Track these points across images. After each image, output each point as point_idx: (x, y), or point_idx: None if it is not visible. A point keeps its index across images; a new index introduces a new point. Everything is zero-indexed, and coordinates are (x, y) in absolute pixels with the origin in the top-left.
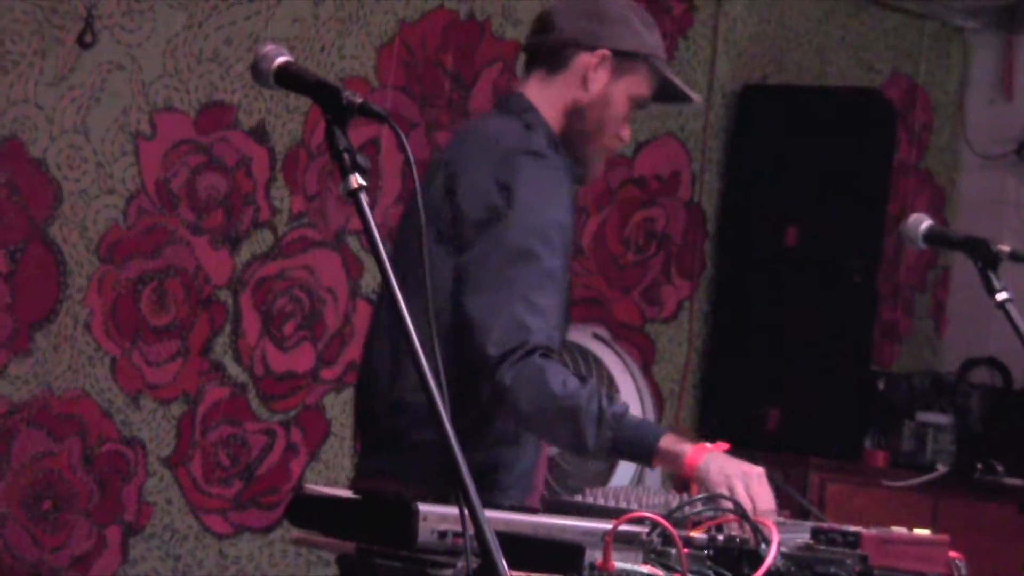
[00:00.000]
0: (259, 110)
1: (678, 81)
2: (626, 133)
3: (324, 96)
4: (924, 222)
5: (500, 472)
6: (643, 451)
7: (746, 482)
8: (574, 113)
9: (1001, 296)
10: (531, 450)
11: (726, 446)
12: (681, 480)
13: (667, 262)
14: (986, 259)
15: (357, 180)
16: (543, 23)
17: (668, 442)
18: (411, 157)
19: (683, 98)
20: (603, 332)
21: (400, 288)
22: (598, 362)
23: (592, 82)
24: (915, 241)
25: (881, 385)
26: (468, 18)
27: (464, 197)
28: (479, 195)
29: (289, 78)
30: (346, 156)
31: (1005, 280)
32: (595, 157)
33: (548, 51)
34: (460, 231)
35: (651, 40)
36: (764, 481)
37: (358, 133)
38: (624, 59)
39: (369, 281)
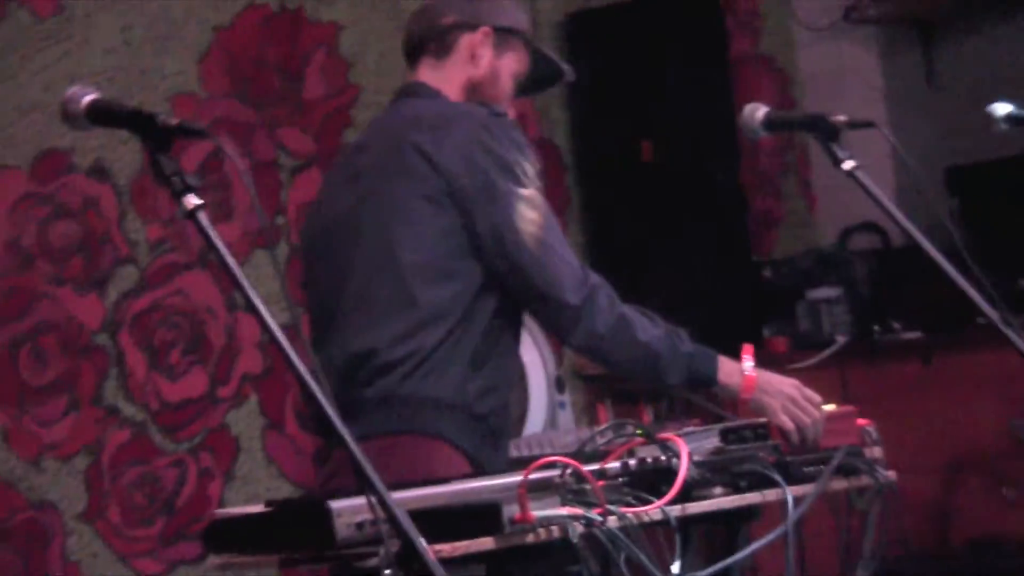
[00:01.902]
0: (93, 148)
1: (552, 54)
2: (512, 111)
3: (139, 125)
4: (760, 110)
5: (493, 417)
6: (707, 385)
7: (797, 398)
8: (470, 90)
9: (847, 165)
10: (512, 407)
11: (750, 349)
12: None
13: None
14: (826, 133)
15: (192, 200)
16: (423, 12)
17: (724, 375)
18: (240, 164)
19: (550, 80)
20: None
21: (347, 269)
22: None
23: (480, 58)
24: (755, 131)
25: (767, 273)
26: (280, 10)
27: (452, 162)
28: (469, 161)
29: (101, 115)
30: (175, 179)
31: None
32: None
33: (434, 37)
34: (462, 194)
35: (522, 17)
36: (808, 392)
37: (200, 147)
38: (504, 35)
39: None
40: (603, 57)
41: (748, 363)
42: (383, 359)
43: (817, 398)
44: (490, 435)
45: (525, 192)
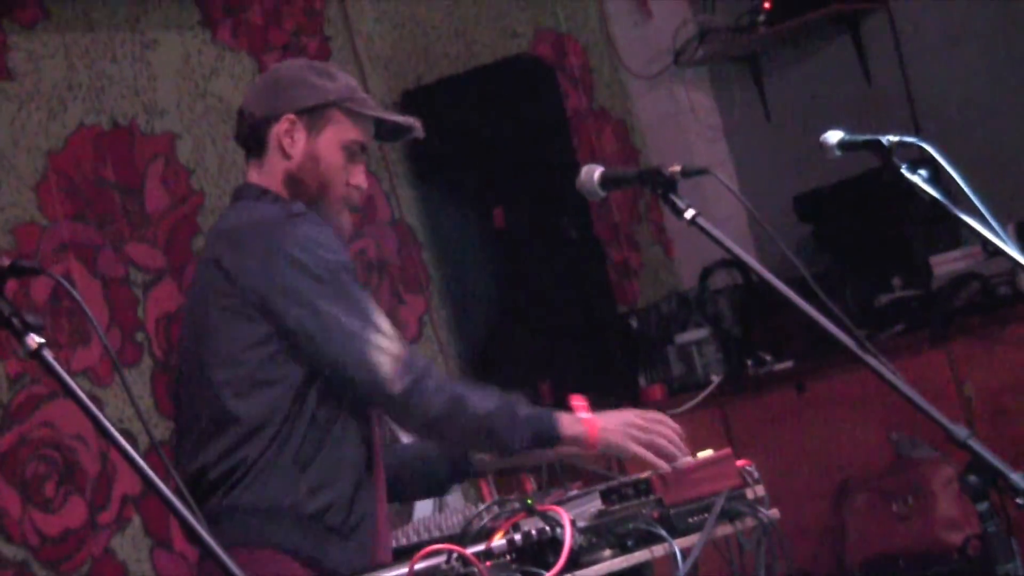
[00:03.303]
0: None
1: (382, 112)
2: (359, 179)
3: None
4: (596, 171)
5: (332, 512)
6: (551, 445)
7: (643, 426)
8: (291, 182)
9: (689, 214)
10: (365, 496)
11: (582, 399)
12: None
13: (393, 286)
14: (663, 186)
15: (35, 339)
16: (239, 116)
17: (566, 428)
18: (78, 297)
19: (403, 127)
20: None
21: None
22: None
23: (290, 147)
24: (594, 192)
25: (634, 323)
26: (112, 127)
27: (250, 274)
28: (266, 270)
29: None
30: (14, 320)
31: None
32: (335, 213)
33: (250, 136)
34: (265, 303)
35: (334, 86)
36: (647, 412)
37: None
38: (313, 115)
39: (112, 413)
40: (443, 130)
41: (583, 413)
42: (211, 476)
43: (659, 415)
44: (331, 531)
45: (328, 288)
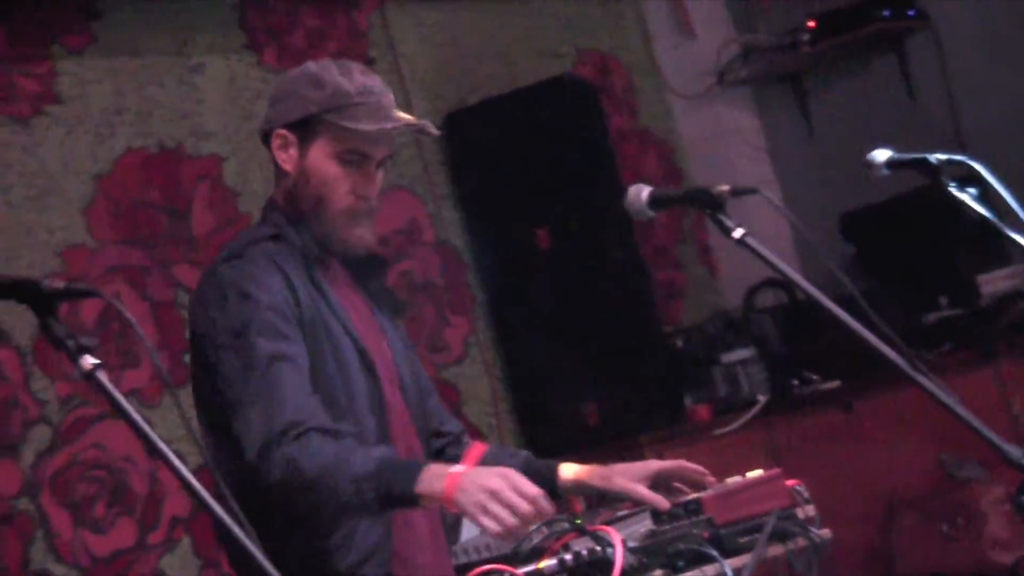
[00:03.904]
0: None
1: (367, 122)
2: (365, 188)
3: (24, 294)
4: (644, 191)
5: (338, 556)
6: (408, 501)
7: (498, 490)
8: (290, 197)
9: (737, 234)
10: (371, 525)
11: (479, 451)
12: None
13: (438, 307)
14: (711, 205)
15: (89, 361)
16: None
17: (426, 484)
18: (130, 317)
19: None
20: None
21: None
22: None
23: (285, 163)
24: (642, 212)
25: (679, 342)
26: (160, 150)
27: (192, 323)
28: (195, 319)
29: None
30: (69, 343)
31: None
32: (341, 226)
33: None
34: (196, 350)
35: (320, 96)
36: (516, 476)
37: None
38: (301, 128)
39: (160, 434)
40: (487, 152)
41: (459, 467)
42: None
43: (531, 490)
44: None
45: (224, 343)
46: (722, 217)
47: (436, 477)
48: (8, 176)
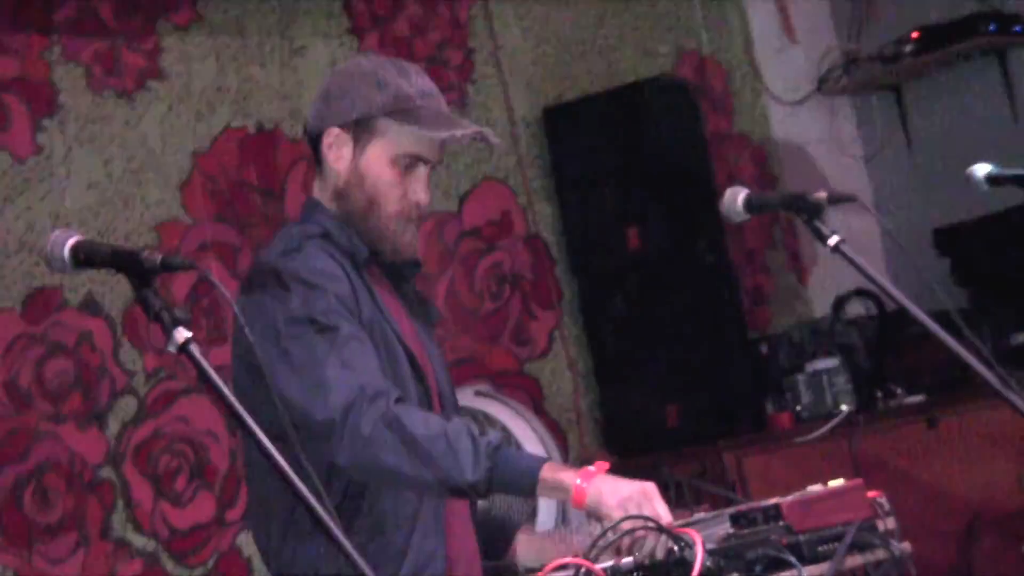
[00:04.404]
0: (83, 283)
1: (432, 129)
2: (419, 194)
3: (124, 264)
4: (740, 194)
5: (397, 560)
6: (524, 482)
7: (640, 500)
8: (339, 198)
9: (833, 241)
10: (427, 532)
11: (606, 465)
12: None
13: (524, 300)
14: (808, 211)
15: (183, 334)
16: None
17: (550, 471)
18: (225, 293)
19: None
20: (485, 387)
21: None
22: (488, 418)
23: (337, 162)
24: (738, 215)
25: (764, 349)
26: (258, 130)
27: (246, 321)
28: (250, 316)
29: (85, 258)
30: (164, 315)
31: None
32: (390, 230)
33: (313, 149)
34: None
35: (381, 96)
36: (656, 495)
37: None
38: (358, 128)
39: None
40: (583, 148)
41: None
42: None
43: (665, 512)
44: None
45: (292, 333)
46: (818, 224)
47: (561, 468)
48: (109, 148)
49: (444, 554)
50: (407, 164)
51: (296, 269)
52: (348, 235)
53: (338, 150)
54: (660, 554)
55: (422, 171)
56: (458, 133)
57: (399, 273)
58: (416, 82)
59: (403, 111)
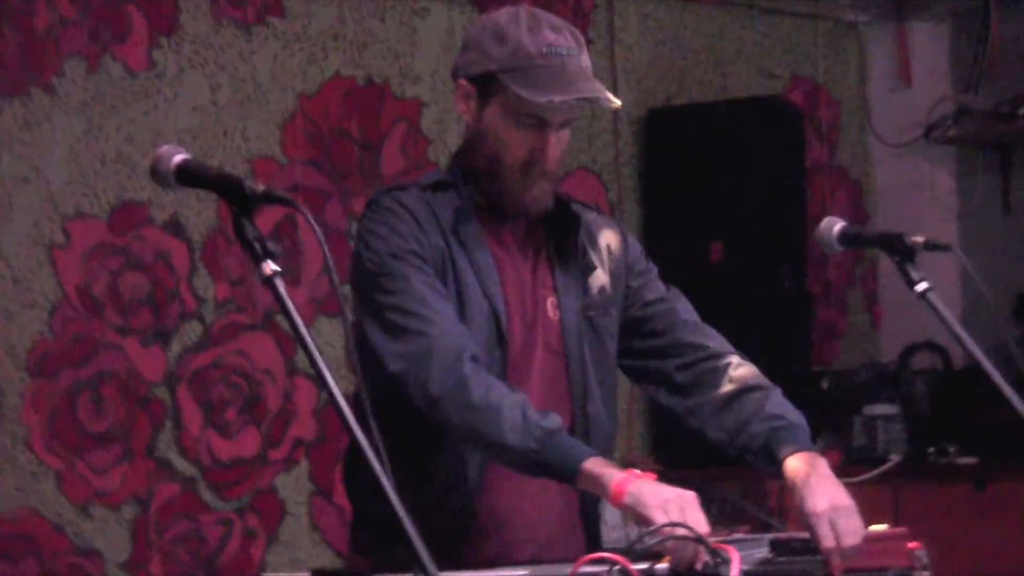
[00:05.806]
0: (171, 203)
1: (543, 93)
2: (543, 152)
3: (226, 189)
4: (836, 225)
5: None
6: (567, 470)
7: (682, 505)
8: (469, 149)
9: (921, 287)
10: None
11: (654, 475)
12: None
13: None
14: (902, 253)
15: (270, 267)
16: None
17: (594, 464)
18: (320, 234)
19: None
20: None
21: None
22: None
23: (465, 113)
24: (831, 245)
25: (825, 384)
26: (366, 83)
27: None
28: (356, 243)
29: (189, 176)
30: (256, 244)
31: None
32: (515, 186)
33: None
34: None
35: (500, 52)
36: (697, 505)
37: (274, 212)
38: (482, 83)
39: (305, 357)
40: (680, 154)
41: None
42: None
43: (702, 522)
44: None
45: (369, 280)
46: (909, 267)
47: (607, 464)
48: (220, 76)
49: (473, 510)
50: (529, 123)
51: (377, 217)
52: (471, 188)
53: (466, 103)
54: (697, 564)
55: (547, 130)
56: (556, 99)
57: (552, 227)
58: (545, 36)
59: (518, 69)
